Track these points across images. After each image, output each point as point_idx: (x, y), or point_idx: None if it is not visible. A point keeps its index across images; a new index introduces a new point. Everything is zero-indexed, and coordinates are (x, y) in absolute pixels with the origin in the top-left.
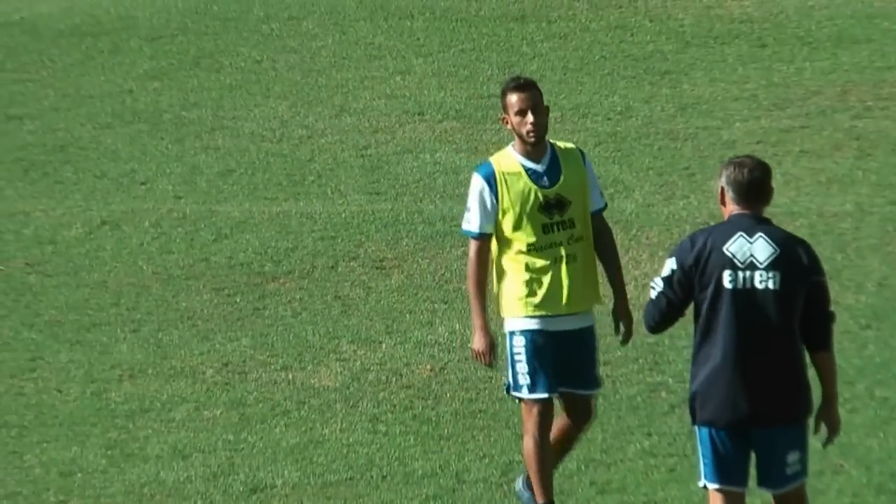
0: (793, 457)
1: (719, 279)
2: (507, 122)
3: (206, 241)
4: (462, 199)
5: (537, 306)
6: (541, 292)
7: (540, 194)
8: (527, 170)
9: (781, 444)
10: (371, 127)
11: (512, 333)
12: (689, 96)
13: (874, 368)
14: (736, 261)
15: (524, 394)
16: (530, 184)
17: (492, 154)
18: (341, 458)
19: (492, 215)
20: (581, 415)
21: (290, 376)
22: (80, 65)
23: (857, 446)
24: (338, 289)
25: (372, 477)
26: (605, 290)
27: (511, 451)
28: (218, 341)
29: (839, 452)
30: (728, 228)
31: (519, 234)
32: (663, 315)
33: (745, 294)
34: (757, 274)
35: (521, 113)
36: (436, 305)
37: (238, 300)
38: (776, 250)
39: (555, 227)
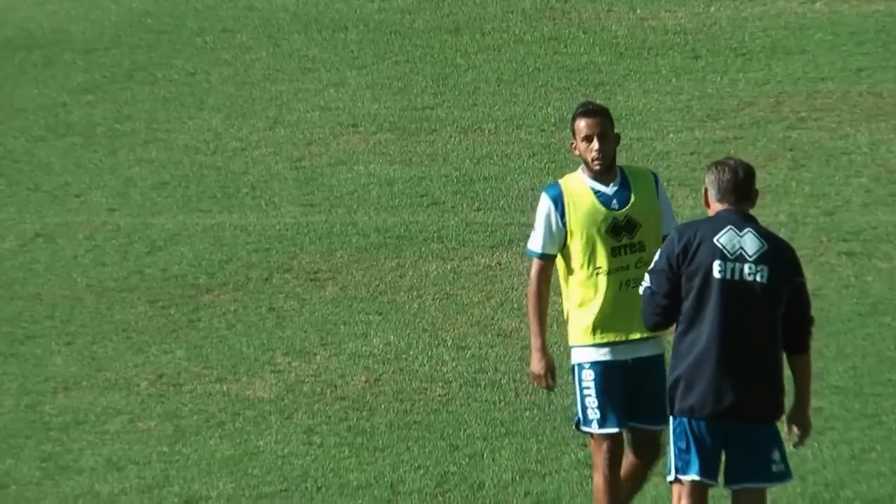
0: (777, 455)
1: (709, 269)
2: (575, 148)
3: (140, 253)
4: (397, 210)
5: (605, 332)
6: (609, 317)
7: (609, 216)
8: (595, 192)
9: (765, 440)
10: (305, 139)
11: (581, 366)
12: (622, 107)
13: None
14: (726, 252)
15: (594, 428)
16: (599, 206)
17: (425, 165)
18: (276, 469)
19: (556, 237)
20: (648, 450)
21: (225, 388)
22: (14, 78)
23: (792, 456)
24: (272, 301)
25: (307, 488)
26: None
27: (446, 463)
28: (152, 353)
29: None
30: (717, 222)
31: (587, 257)
32: (654, 309)
33: (733, 285)
34: (746, 266)
35: (588, 139)
36: (370, 317)
37: (172, 312)
38: (764, 245)
39: (623, 250)
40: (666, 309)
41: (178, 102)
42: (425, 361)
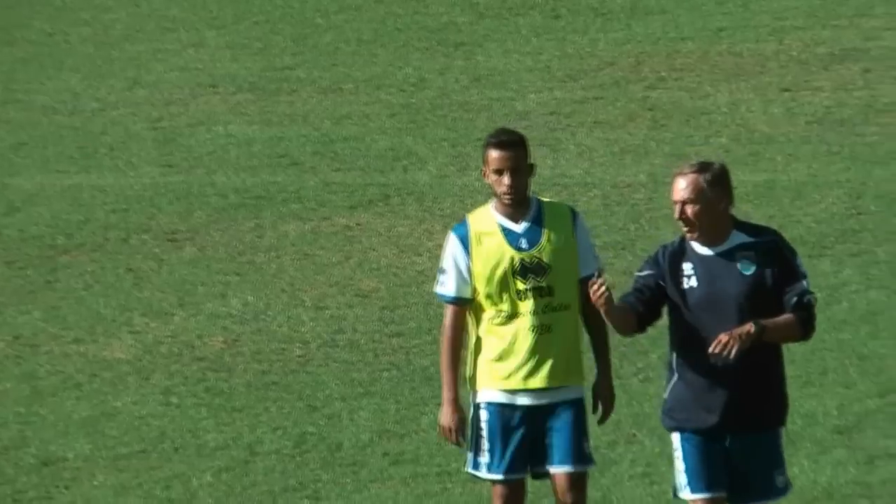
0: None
1: None
2: (485, 176)
3: None
4: (256, 170)
5: (506, 380)
6: (510, 365)
7: (516, 258)
8: (504, 230)
9: None
10: (164, 99)
11: (477, 406)
12: (482, 67)
13: (667, 338)
14: None
15: (481, 472)
16: (505, 246)
17: (284, 125)
18: (133, 430)
19: (468, 281)
20: (567, 494)
21: (82, 349)
22: None
23: (651, 416)
24: (130, 261)
25: (164, 449)
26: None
27: (304, 423)
28: (9, 314)
29: (632, 422)
30: None
31: (489, 300)
32: None
33: None
34: None
35: (498, 172)
36: (228, 278)
37: (29, 273)
38: None
39: (530, 294)
40: None
41: (37, 63)
42: (284, 322)
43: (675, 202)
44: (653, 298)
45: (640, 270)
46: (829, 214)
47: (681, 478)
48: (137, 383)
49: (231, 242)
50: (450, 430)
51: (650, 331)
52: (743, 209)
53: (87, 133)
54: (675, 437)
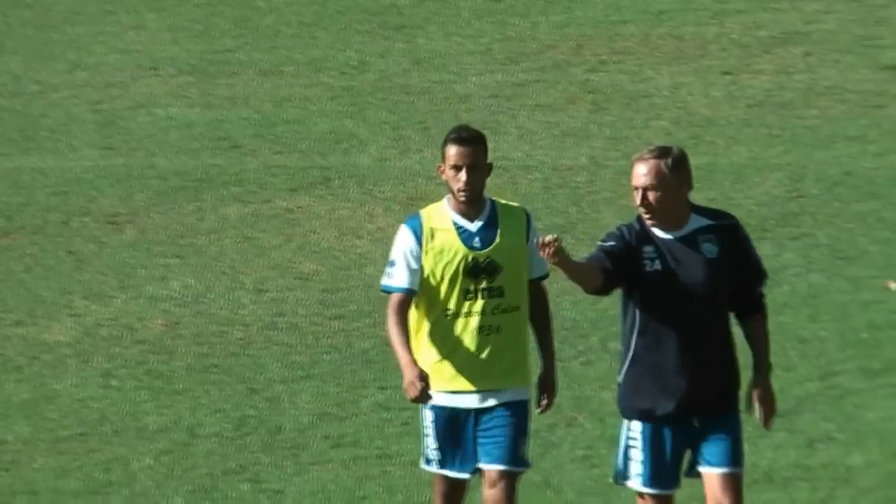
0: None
1: None
2: (442, 172)
3: None
4: (196, 153)
5: (450, 380)
6: (455, 365)
7: (469, 256)
8: (458, 228)
9: None
10: (104, 82)
11: (422, 406)
12: (423, 50)
13: (608, 321)
14: None
15: (433, 468)
16: (458, 244)
17: (225, 107)
18: (73, 413)
19: (417, 272)
20: (494, 493)
21: (22, 331)
22: None
23: (591, 399)
24: (70, 244)
25: (105, 432)
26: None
27: (244, 406)
28: None
29: (573, 405)
30: None
31: (438, 299)
32: None
33: None
34: None
35: (456, 168)
36: (169, 260)
37: None
38: None
39: (479, 294)
40: None
41: None
42: (224, 305)
43: (637, 188)
44: (620, 264)
45: (603, 241)
46: (770, 197)
47: (635, 467)
48: (77, 366)
49: (171, 225)
50: (413, 382)
51: (590, 314)
52: None
53: (28, 115)
54: (636, 426)
